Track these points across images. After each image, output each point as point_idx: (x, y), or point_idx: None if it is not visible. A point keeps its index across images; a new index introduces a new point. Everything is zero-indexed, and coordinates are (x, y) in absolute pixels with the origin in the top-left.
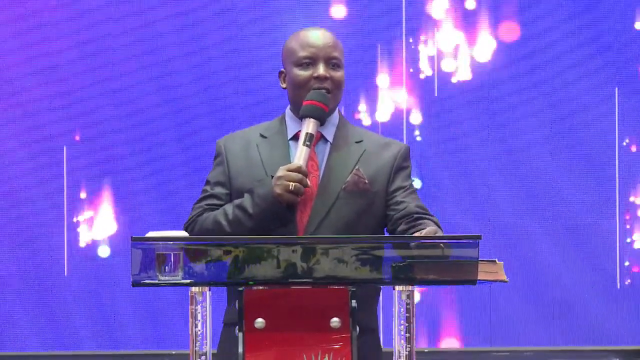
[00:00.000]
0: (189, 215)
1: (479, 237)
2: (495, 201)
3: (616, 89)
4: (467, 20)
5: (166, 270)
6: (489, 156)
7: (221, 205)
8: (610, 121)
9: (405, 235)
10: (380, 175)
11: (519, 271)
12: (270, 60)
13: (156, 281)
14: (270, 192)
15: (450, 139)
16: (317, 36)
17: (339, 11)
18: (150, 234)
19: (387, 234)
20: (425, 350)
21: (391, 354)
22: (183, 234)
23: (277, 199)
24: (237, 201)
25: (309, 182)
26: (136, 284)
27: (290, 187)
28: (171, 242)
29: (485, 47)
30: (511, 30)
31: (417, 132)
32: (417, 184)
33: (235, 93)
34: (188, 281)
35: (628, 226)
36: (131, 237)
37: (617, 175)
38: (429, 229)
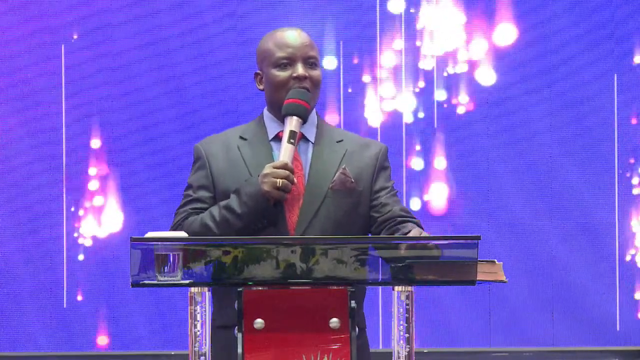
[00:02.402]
0: (174, 221)
1: (478, 238)
2: (506, 201)
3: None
4: (468, 16)
5: (165, 271)
6: (502, 158)
7: (206, 209)
8: (628, 123)
9: (404, 236)
10: (364, 174)
11: (521, 271)
12: None
13: (155, 282)
14: (258, 191)
15: (461, 140)
16: (293, 36)
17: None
18: (150, 234)
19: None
20: (425, 351)
21: (390, 354)
22: (182, 234)
23: (265, 196)
24: (223, 202)
25: (295, 179)
26: (135, 284)
27: (278, 184)
28: (170, 243)
29: (495, 42)
30: (511, 34)
31: (438, 134)
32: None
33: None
34: (187, 282)
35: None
36: (130, 237)
37: (633, 176)
38: (414, 231)
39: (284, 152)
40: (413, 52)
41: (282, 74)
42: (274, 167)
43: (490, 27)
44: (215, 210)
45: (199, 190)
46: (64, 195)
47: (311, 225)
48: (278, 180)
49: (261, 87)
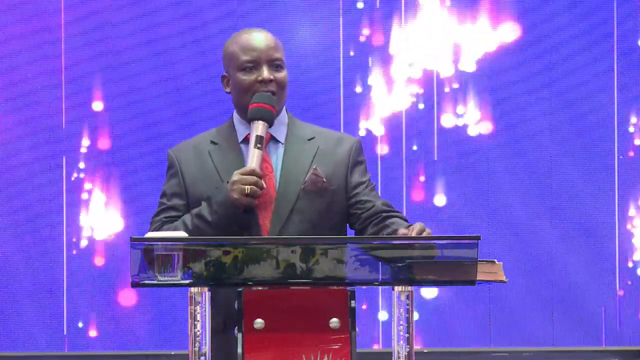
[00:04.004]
0: (149, 230)
1: (478, 238)
2: (505, 201)
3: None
4: (467, 14)
5: (165, 271)
6: (499, 157)
7: (180, 217)
8: (628, 123)
9: (404, 236)
10: (337, 172)
11: (520, 271)
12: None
13: (155, 282)
14: (227, 198)
15: (461, 140)
16: (258, 39)
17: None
18: (150, 234)
19: (350, 232)
20: (425, 351)
21: (390, 354)
22: (182, 234)
23: (234, 203)
24: (195, 210)
25: (264, 184)
26: (135, 284)
27: (247, 191)
28: (170, 243)
29: (491, 40)
30: (514, 30)
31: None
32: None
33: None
34: (187, 282)
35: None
36: (130, 237)
37: (632, 177)
38: (418, 228)
39: (251, 158)
40: (413, 53)
41: (247, 78)
42: (242, 174)
43: (489, 27)
44: (187, 218)
45: (173, 198)
46: (64, 195)
47: (285, 228)
48: (246, 187)
49: (228, 90)
